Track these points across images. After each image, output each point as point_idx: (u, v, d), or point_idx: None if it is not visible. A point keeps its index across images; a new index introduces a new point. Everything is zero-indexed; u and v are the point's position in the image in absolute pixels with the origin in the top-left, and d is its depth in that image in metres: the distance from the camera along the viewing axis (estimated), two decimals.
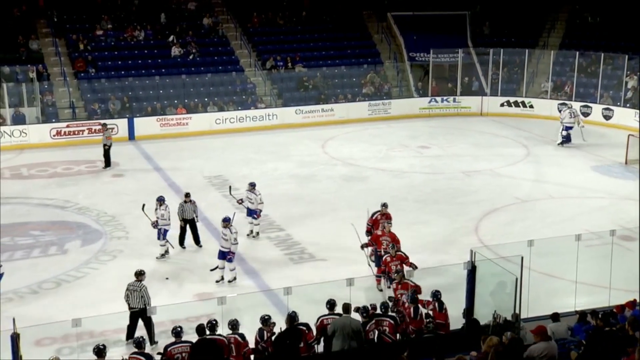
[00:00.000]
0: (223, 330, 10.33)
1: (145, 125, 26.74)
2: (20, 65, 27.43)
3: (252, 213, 16.75)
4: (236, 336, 10.23)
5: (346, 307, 10.56)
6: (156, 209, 15.87)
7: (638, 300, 11.23)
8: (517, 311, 10.91)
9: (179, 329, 10.21)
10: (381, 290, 13.81)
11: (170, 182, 21.27)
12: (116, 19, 30.64)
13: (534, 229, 17.17)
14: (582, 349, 9.52)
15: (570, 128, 25.53)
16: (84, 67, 28.42)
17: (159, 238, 15.78)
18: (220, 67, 30.16)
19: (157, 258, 15.68)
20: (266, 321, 10.39)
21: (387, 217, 14.76)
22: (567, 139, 25.47)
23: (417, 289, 11.73)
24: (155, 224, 15.77)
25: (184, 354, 9.93)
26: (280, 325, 10.46)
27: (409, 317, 11.18)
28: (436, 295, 11.38)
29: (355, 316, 10.70)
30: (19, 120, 26.01)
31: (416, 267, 12.95)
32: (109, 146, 22.82)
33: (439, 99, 30.90)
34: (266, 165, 23.15)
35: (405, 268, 12.96)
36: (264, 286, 14.32)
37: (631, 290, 11.85)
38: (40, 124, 26.14)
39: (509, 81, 31.72)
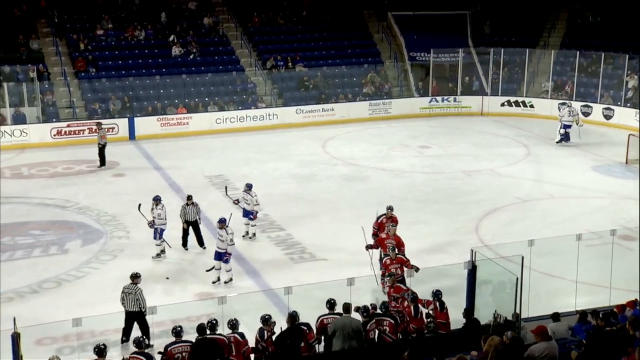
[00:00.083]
0: (223, 329, 10.34)
1: (145, 124, 26.75)
2: (20, 64, 27.44)
3: (248, 214, 16.70)
4: (236, 335, 10.25)
5: (346, 307, 10.56)
6: (152, 209, 15.88)
7: (639, 300, 11.23)
8: (517, 311, 10.91)
9: (179, 328, 10.21)
10: (386, 293, 13.76)
11: (170, 182, 21.28)
12: (117, 18, 30.65)
13: (535, 228, 17.17)
14: (582, 348, 9.52)
15: (569, 126, 25.54)
16: (85, 67, 28.42)
17: (155, 238, 15.79)
18: (220, 67, 30.16)
19: (152, 258, 15.69)
20: (267, 321, 10.40)
21: (393, 220, 14.62)
22: (565, 138, 25.48)
23: (408, 293, 11.75)
24: (151, 224, 15.77)
25: (184, 354, 9.94)
26: (280, 324, 10.46)
27: (409, 316, 11.19)
28: (437, 294, 11.38)
29: (356, 316, 10.70)
30: (19, 119, 26.02)
31: (418, 269, 12.82)
32: (104, 145, 22.87)
33: (439, 98, 30.89)
34: (267, 165, 23.16)
35: (406, 270, 12.91)
36: (264, 286, 14.32)
37: (632, 290, 11.84)
38: (41, 124, 26.15)
39: (510, 81, 31.72)
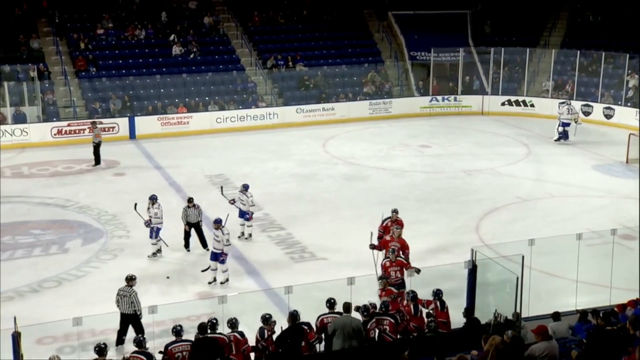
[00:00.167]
0: (223, 329, 10.34)
1: (146, 124, 26.76)
2: (21, 64, 27.44)
3: (244, 214, 16.65)
4: (235, 334, 10.26)
5: (347, 306, 10.55)
6: (148, 208, 15.84)
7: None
8: (517, 310, 10.91)
9: (179, 327, 10.21)
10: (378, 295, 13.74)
11: (171, 181, 21.28)
12: (117, 17, 30.65)
13: (535, 228, 17.16)
14: (583, 348, 9.52)
15: (567, 124, 25.55)
16: (85, 66, 28.42)
17: (151, 237, 15.78)
18: (221, 66, 30.15)
19: (148, 257, 15.70)
20: (267, 320, 10.39)
21: (399, 223, 14.51)
22: (564, 136, 25.49)
23: (401, 295, 11.74)
24: (147, 223, 15.76)
25: (184, 353, 9.95)
26: (280, 324, 10.46)
27: (409, 315, 11.18)
28: (438, 294, 11.38)
29: (356, 315, 10.70)
30: (19, 119, 26.02)
31: (419, 271, 12.71)
32: (98, 144, 22.90)
33: (439, 98, 30.89)
34: (267, 164, 23.15)
35: (406, 272, 12.86)
36: (264, 285, 14.32)
37: (632, 289, 11.86)
38: (41, 123, 26.15)
39: (510, 80, 31.71)
